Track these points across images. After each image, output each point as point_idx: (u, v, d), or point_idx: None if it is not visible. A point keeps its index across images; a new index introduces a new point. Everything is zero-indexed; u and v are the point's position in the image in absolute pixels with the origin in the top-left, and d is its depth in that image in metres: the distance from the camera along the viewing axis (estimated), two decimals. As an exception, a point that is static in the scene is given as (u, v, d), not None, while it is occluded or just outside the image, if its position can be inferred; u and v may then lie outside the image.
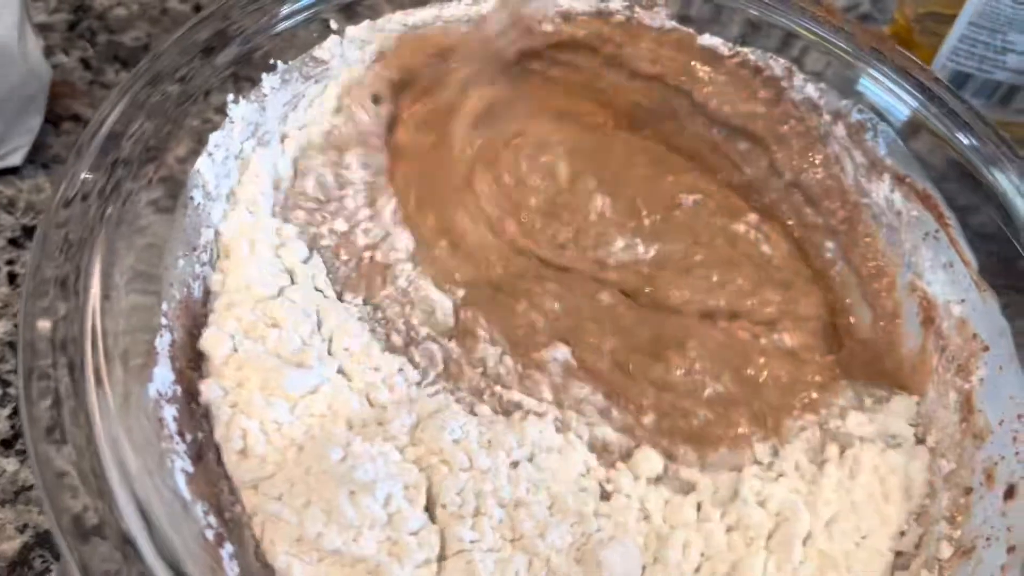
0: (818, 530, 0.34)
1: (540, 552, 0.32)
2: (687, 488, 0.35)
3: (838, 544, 0.34)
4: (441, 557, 0.32)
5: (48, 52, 0.50)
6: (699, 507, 0.35)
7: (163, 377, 0.30)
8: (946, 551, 0.33)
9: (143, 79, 0.35)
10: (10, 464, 0.39)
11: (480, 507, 0.32)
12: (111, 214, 0.31)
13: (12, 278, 0.44)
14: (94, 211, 0.31)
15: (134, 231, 0.32)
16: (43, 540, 0.37)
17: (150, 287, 0.32)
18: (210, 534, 0.28)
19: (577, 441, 0.36)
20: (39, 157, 0.48)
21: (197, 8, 0.55)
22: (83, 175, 0.31)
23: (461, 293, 0.39)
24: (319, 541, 0.30)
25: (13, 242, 0.45)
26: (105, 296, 0.30)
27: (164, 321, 0.31)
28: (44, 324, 0.28)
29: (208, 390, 0.32)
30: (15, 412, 0.40)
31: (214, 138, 0.35)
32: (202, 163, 0.34)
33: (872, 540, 0.35)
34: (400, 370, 0.36)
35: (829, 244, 0.42)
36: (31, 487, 0.38)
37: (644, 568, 0.33)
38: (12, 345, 0.42)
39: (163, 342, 0.31)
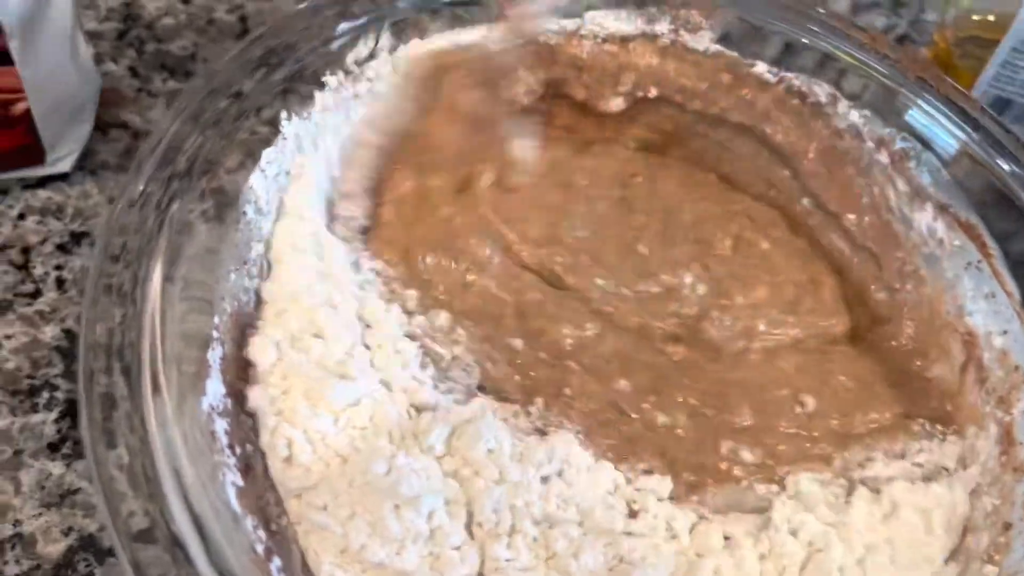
0: (850, 564, 0.34)
1: (573, 572, 0.32)
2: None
3: None
4: (480, 574, 0.32)
5: (97, 60, 0.51)
6: (727, 536, 0.35)
7: (215, 390, 0.31)
8: None
9: (199, 95, 0.35)
10: (56, 467, 0.39)
11: (515, 525, 0.33)
12: (167, 225, 0.32)
13: (60, 283, 0.45)
14: (152, 222, 0.32)
15: (188, 242, 0.32)
16: (88, 544, 0.38)
17: (204, 298, 0.32)
18: (260, 548, 0.28)
19: (604, 459, 0.36)
20: (87, 164, 0.48)
21: (243, 19, 0.56)
22: (141, 187, 0.32)
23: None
24: (363, 553, 0.31)
25: (61, 248, 0.46)
26: (162, 305, 0.30)
27: (216, 334, 0.32)
28: (103, 329, 0.29)
29: (256, 396, 0.32)
30: (62, 416, 0.41)
31: (267, 154, 0.35)
32: (255, 179, 0.35)
33: None
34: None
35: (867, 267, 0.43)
36: (77, 491, 0.39)
37: None
38: (59, 349, 0.43)
39: (215, 355, 0.32)
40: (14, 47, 0.41)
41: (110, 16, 0.55)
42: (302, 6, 0.39)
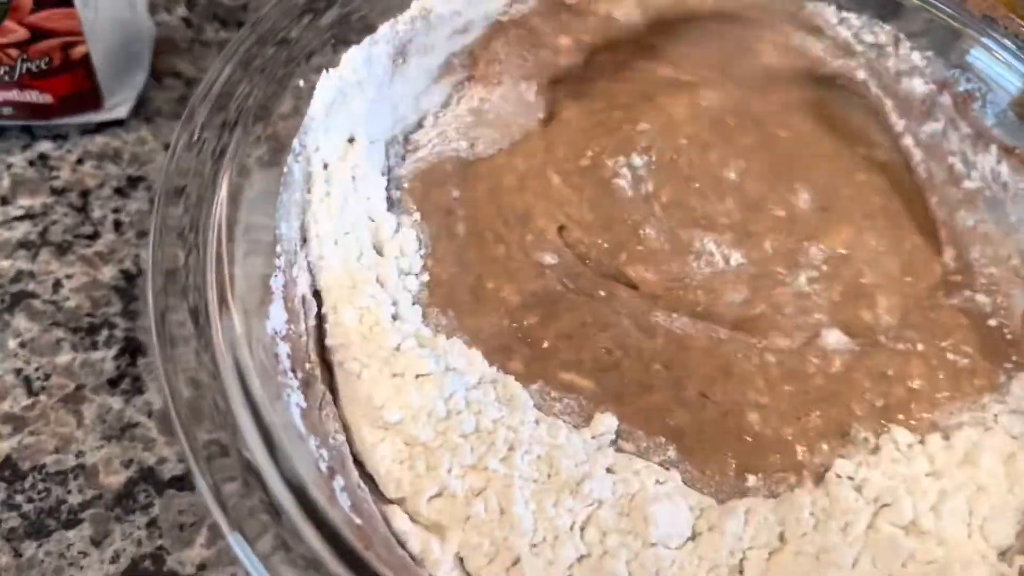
0: (923, 513, 0.32)
1: (583, 494, 0.31)
2: None
3: (948, 529, 0.32)
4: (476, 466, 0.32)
5: (152, 10, 0.51)
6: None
7: (278, 316, 0.31)
8: None
9: (248, 42, 0.35)
10: (116, 402, 0.40)
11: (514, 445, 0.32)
12: (224, 170, 0.32)
13: (118, 225, 0.45)
14: (209, 168, 0.32)
15: (246, 186, 0.32)
16: (147, 475, 0.38)
17: (264, 239, 0.33)
18: (323, 467, 0.29)
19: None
20: (143, 111, 0.49)
21: (293, -29, 0.56)
22: (196, 134, 0.32)
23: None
24: (382, 411, 0.32)
25: (119, 191, 0.46)
26: (224, 245, 0.31)
27: (278, 263, 0.32)
28: (171, 271, 0.30)
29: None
30: (120, 353, 0.41)
31: (318, 96, 0.35)
32: (308, 122, 0.35)
33: (990, 528, 0.32)
34: None
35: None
36: (136, 424, 0.40)
37: (695, 536, 0.32)
38: (117, 289, 0.43)
39: (277, 282, 0.32)
40: (75, -12, 0.41)
41: (163, -32, 0.55)
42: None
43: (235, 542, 0.25)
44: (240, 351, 0.28)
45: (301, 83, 0.34)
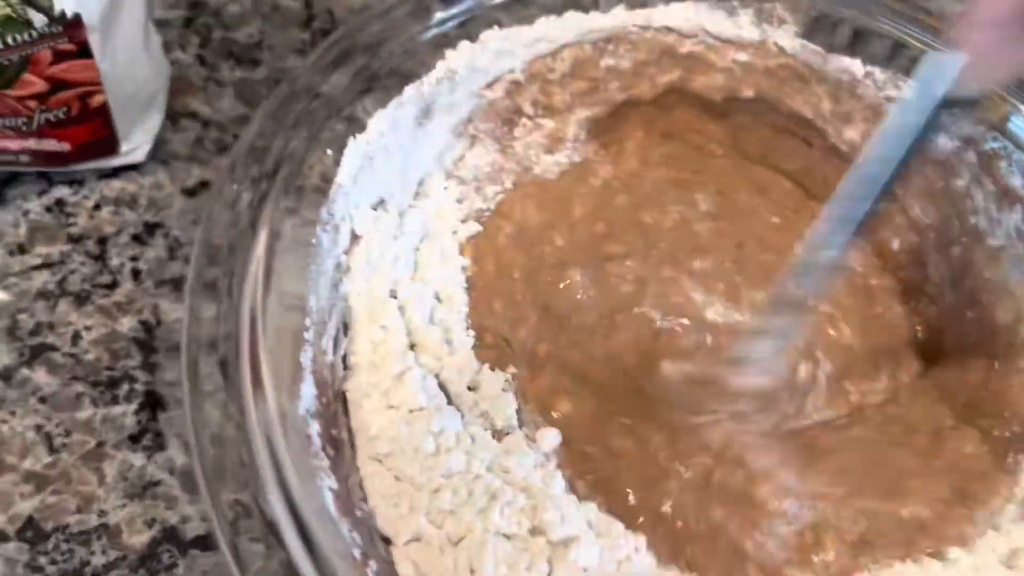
0: None
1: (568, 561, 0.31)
2: None
3: None
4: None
5: (165, 48, 0.51)
6: None
7: (308, 394, 0.31)
8: None
9: (281, 97, 0.35)
10: (137, 459, 0.40)
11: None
12: (260, 226, 0.32)
13: (136, 274, 0.45)
14: (245, 220, 0.32)
15: (281, 243, 0.32)
16: (170, 535, 0.38)
17: (296, 293, 0.33)
18: (357, 553, 0.28)
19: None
20: (159, 153, 0.49)
21: (307, 4, 0.56)
22: (234, 187, 0.32)
23: None
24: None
25: (136, 238, 0.46)
26: (256, 300, 0.31)
27: (308, 336, 0.32)
28: (205, 327, 0.30)
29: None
30: (141, 408, 0.41)
31: (351, 150, 0.35)
32: (341, 174, 0.35)
33: None
34: None
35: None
36: (158, 483, 0.39)
37: None
38: (137, 341, 0.43)
39: (306, 356, 0.32)
40: (94, 41, 0.41)
41: (177, 3, 0.55)
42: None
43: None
44: (274, 431, 0.28)
45: (329, 152, 0.34)
